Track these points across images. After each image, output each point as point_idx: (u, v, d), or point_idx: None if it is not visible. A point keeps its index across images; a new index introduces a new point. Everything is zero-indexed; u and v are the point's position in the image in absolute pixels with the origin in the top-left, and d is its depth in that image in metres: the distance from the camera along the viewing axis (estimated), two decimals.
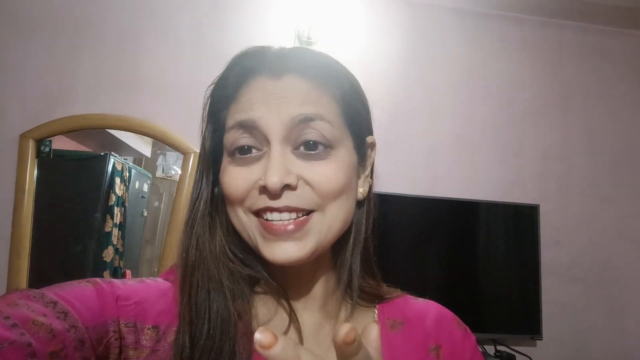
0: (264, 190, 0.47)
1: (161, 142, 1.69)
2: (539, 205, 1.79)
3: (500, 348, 1.72)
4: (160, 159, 1.79)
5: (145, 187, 1.84)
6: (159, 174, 1.80)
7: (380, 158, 2.02)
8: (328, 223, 0.49)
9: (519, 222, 1.81)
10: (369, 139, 0.57)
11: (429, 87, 1.92)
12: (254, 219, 0.49)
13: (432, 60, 1.94)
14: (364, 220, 0.57)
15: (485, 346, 1.72)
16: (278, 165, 0.46)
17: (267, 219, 0.48)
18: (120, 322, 0.46)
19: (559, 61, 2.04)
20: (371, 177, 0.58)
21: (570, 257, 1.90)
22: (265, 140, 0.48)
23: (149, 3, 1.76)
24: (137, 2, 1.75)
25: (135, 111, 1.66)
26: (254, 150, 0.49)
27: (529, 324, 1.72)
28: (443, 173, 1.88)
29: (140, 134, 1.69)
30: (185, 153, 1.67)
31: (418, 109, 1.90)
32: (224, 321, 0.48)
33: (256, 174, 0.48)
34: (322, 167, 0.48)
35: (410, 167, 1.86)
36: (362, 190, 0.55)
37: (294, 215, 0.48)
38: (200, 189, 0.54)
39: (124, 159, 1.74)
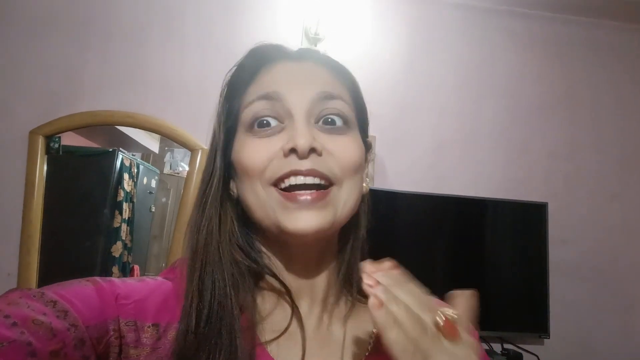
0: (290, 153, 0.48)
1: (169, 138, 1.70)
2: (547, 203, 1.77)
3: (507, 346, 1.71)
4: (168, 156, 1.80)
5: (153, 183, 1.85)
6: (166, 170, 1.81)
7: (387, 155, 2.01)
8: (345, 198, 0.51)
9: (527, 220, 1.79)
10: (368, 140, 0.60)
11: (435, 84, 1.91)
12: (273, 192, 0.49)
13: (438, 57, 1.93)
14: (363, 216, 0.59)
15: (492, 344, 1.71)
16: (306, 129, 0.48)
17: (287, 187, 0.49)
18: (121, 321, 0.46)
19: (567, 57, 2.02)
20: (367, 176, 0.60)
21: (578, 255, 1.88)
22: (288, 114, 0.50)
23: (155, 0, 1.77)
24: None
25: (143, 108, 1.67)
26: (272, 124, 0.51)
27: (536, 322, 1.71)
28: (449, 170, 1.87)
29: (148, 130, 1.70)
30: (192, 150, 1.67)
31: (424, 106, 1.89)
32: (223, 308, 0.48)
33: (277, 145, 0.49)
34: (343, 139, 0.51)
35: (416, 164, 1.85)
36: (364, 185, 0.57)
37: (317, 180, 0.49)
38: (213, 170, 0.55)
39: (132, 155, 1.75)
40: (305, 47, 0.61)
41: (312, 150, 0.48)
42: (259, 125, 0.51)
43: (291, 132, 0.49)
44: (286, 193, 0.49)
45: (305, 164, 0.48)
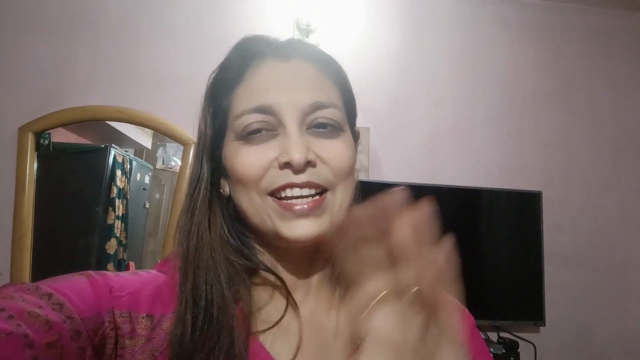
0: (285, 166, 0.48)
1: (161, 133, 1.68)
2: (541, 192, 1.78)
3: (504, 335, 1.72)
4: (160, 150, 1.79)
5: (147, 179, 1.83)
6: (159, 165, 1.80)
7: (382, 147, 2.00)
8: (339, 202, 0.52)
9: (522, 209, 1.80)
10: (356, 129, 0.59)
11: (428, 74, 1.90)
12: (269, 200, 0.50)
13: (432, 47, 1.92)
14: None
15: (488, 333, 1.72)
16: (300, 142, 0.48)
17: (284, 197, 0.49)
18: (115, 313, 0.46)
19: (561, 45, 2.02)
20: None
21: (573, 243, 1.89)
22: (280, 125, 0.50)
23: None
24: None
25: (134, 102, 1.65)
26: (263, 131, 0.50)
27: (532, 310, 1.72)
28: (445, 161, 1.87)
29: (140, 125, 1.69)
30: (185, 144, 1.66)
31: (418, 97, 1.88)
32: (220, 310, 0.49)
33: (271, 153, 0.49)
34: (335, 144, 0.51)
35: (411, 155, 1.85)
36: (355, 176, 0.57)
37: (312, 191, 0.49)
38: (200, 173, 0.54)
39: (125, 151, 1.74)
40: (292, 37, 0.58)
41: (307, 162, 0.48)
42: (251, 133, 0.50)
43: (284, 141, 0.49)
44: (283, 202, 0.49)
45: (301, 177, 0.48)
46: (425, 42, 1.92)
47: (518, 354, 1.63)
